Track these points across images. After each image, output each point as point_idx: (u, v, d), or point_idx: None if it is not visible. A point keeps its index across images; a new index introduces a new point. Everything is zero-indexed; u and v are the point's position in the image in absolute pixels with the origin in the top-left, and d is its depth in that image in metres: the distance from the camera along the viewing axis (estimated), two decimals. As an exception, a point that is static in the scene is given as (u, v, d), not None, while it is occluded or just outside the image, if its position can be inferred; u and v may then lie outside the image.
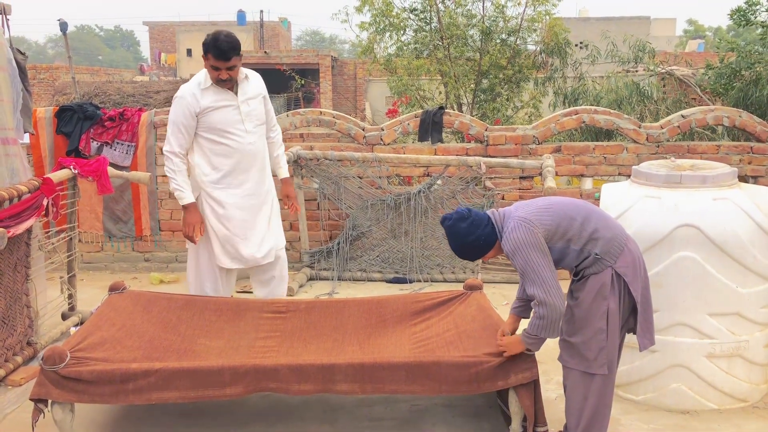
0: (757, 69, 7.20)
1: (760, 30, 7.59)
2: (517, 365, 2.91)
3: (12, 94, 4.16)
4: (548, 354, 3.36)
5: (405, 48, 11.46)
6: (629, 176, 3.79)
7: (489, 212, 2.82)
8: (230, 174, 4.01)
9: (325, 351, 3.41)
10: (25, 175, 4.20)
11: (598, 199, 3.77)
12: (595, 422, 2.81)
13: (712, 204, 3.29)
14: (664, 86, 9.50)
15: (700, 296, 3.29)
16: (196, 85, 3.93)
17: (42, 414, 2.90)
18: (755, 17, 7.51)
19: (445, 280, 5.64)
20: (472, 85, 10.77)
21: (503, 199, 5.80)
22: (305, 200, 5.89)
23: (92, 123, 5.88)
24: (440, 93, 11.30)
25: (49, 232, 4.61)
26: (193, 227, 3.97)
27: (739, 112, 5.96)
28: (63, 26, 14.20)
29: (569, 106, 8.65)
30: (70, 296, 4.61)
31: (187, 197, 3.97)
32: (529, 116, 10.94)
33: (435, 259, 5.76)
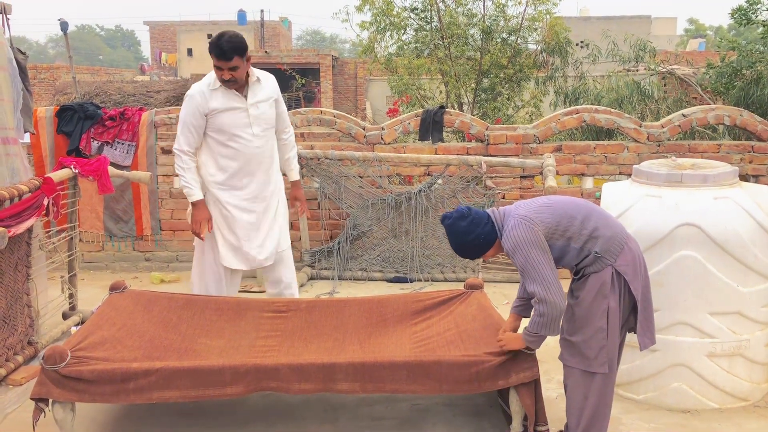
0: (758, 68, 7.19)
1: (761, 29, 7.57)
2: (517, 364, 2.91)
3: (12, 94, 4.16)
4: (549, 353, 3.36)
5: (406, 47, 11.46)
6: (630, 175, 3.79)
7: (489, 211, 2.82)
8: (235, 176, 4.02)
9: (326, 350, 3.41)
10: (26, 175, 4.20)
11: (599, 198, 3.77)
12: (596, 421, 2.81)
13: (713, 203, 3.29)
14: (665, 85, 9.49)
15: (701, 295, 3.29)
16: (206, 86, 3.94)
17: (43, 413, 2.90)
18: (756, 16, 7.50)
19: (445, 280, 5.64)
20: (472, 85, 10.76)
21: (504, 198, 5.79)
22: (306, 200, 5.88)
23: (93, 122, 5.89)
24: (441, 92, 11.30)
25: (49, 231, 4.61)
26: (200, 224, 3.99)
27: (740, 111, 5.95)
28: (64, 26, 14.21)
29: (570, 106, 8.64)
30: (71, 296, 4.61)
31: (195, 194, 4.00)
32: (529, 115, 10.93)
33: (436, 258, 5.76)
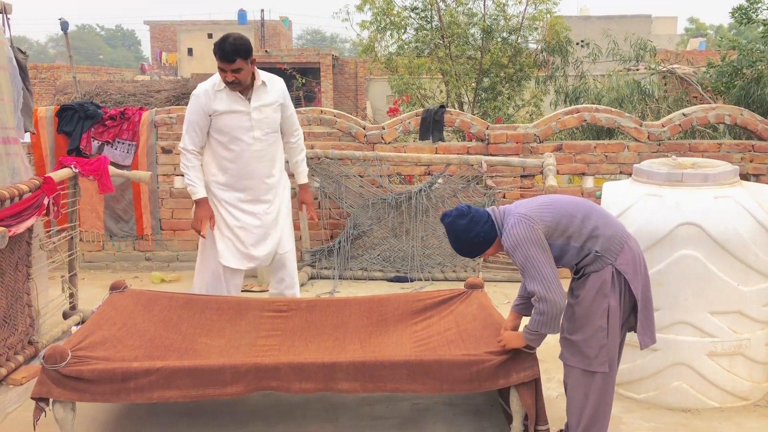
0: (759, 67, 7.19)
1: (761, 28, 7.57)
2: (518, 364, 2.91)
3: (13, 93, 4.16)
4: (549, 352, 3.36)
5: (406, 47, 11.45)
6: (630, 175, 3.79)
7: (489, 209, 2.83)
8: (234, 177, 4.03)
9: (326, 350, 3.41)
10: (26, 174, 4.20)
11: (600, 198, 3.77)
12: (596, 420, 2.81)
13: (714, 202, 3.28)
14: (665, 84, 9.49)
15: (701, 294, 3.29)
16: (211, 86, 3.95)
17: (43, 413, 2.90)
18: (757, 15, 7.49)
19: (446, 279, 5.64)
20: (473, 84, 10.76)
21: (504, 197, 5.79)
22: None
23: (93, 122, 5.89)
24: (441, 91, 11.30)
25: (50, 231, 4.61)
26: (201, 221, 4.01)
27: (740, 110, 5.95)
28: (64, 25, 14.20)
29: (570, 105, 8.64)
30: (71, 295, 4.61)
31: (198, 192, 4.01)
32: (530, 115, 10.93)
33: (436, 257, 5.76)
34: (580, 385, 2.81)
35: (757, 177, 5.80)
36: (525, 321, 2.92)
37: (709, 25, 54.85)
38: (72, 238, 4.56)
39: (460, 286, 3.86)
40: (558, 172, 5.59)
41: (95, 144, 5.87)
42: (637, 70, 10.09)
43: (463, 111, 9.27)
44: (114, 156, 5.81)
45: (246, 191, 4.05)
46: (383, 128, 6.05)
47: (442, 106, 6.11)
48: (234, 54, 3.76)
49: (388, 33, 11.34)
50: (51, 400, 2.91)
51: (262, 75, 4.01)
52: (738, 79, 7.41)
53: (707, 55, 14.14)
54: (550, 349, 3.21)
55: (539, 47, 11.16)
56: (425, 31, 11.28)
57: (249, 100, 3.95)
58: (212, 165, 4.05)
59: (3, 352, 3.73)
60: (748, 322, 3.35)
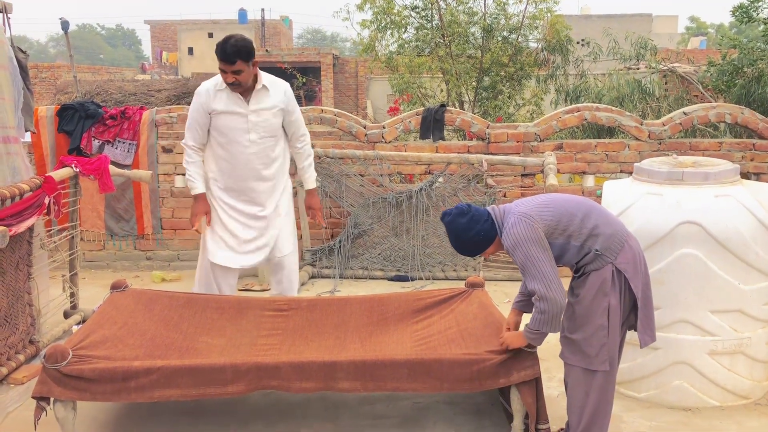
0: (760, 66, 7.18)
1: (762, 27, 7.56)
2: (519, 363, 2.91)
3: (13, 93, 4.16)
4: (550, 351, 3.36)
5: (406, 46, 11.44)
6: (631, 173, 3.79)
7: (489, 208, 2.83)
8: (230, 177, 4.06)
9: (327, 349, 3.41)
10: (27, 174, 4.20)
11: (600, 197, 3.77)
12: (597, 419, 2.81)
13: (714, 201, 3.28)
14: (666, 83, 9.50)
15: (702, 293, 3.28)
16: (213, 85, 3.98)
17: (44, 412, 2.90)
18: (757, 14, 7.48)
19: (446, 278, 5.64)
20: (473, 83, 10.75)
21: (505, 196, 5.79)
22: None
23: (94, 121, 5.89)
24: (442, 91, 11.29)
25: (50, 230, 4.62)
26: (197, 216, 4.05)
27: (741, 109, 5.94)
28: (64, 25, 14.20)
29: (571, 104, 8.64)
30: (72, 294, 4.61)
31: (196, 187, 4.06)
32: (530, 114, 10.92)
33: (437, 256, 5.76)
34: (580, 384, 2.81)
35: (757, 176, 5.80)
36: (526, 318, 2.92)
37: (710, 23, 54.80)
38: (73, 237, 4.56)
39: (461, 285, 3.86)
40: (559, 171, 5.59)
41: (96, 143, 5.87)
42: (638, 69, 10.10)
43: (463, 110, 9.26)
44: (114, 155, 5.82)
45: (241, 191, 4.07)
46: (384, 127, 6.05)
47: (443, 105, 6.11)
48: (235, 55, 3.77)
49: (389, 32, 11.33)
50: (52, 399, 2.91)
51: (265, 78, 4.01)
52: (739, 78, 7.41)
53: (708, 54, 14.13)
54: (550, 347, 3.21)
55: (540, 46, 11.15)
56: (426, 30, 11.28)
57: (248, 102, 3.96)
58: (211, 162, 4.09)
59: (4, 351, 3.74)
60: (749, 321, 3.35)
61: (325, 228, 5.97)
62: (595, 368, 2.75)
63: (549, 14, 10.86)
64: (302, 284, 5.54)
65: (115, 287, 3.78)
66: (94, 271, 6.07)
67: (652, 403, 3.45)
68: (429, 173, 5.91)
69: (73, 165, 4.34)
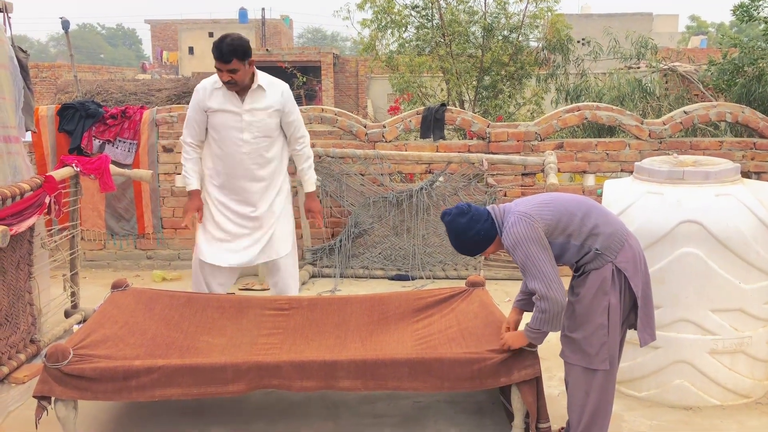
0: (760, 65, 7.18)
1: (763, 26, 7.56)
2: (519, 362, 2.91)
3: (14, 92, 4.16)
4: (550, 350, 3.36)
5: (407, 45, 11.43)
6: (632, 172, 3.79)
7: (489, 207, 2.83)
8: (224, 176, 4.08)
9: (328, 348, 3.42)
10: (28, 173, 4.21)
11: (601, 196, 3.77)
12: (597, 418, 2.82)
13: (715, 200, 3.28)
14: (666, 82, 9.50)
15: (702, 292, 3.28)
16: (211, 83, 4.00)
17: (45, 411, 2.90)
18: (758, 13, 7.48)
19: (447, 277, 5.64)
20: (474, 82, 10.75)
21: (505, 195, 5.79)
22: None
23: (94, 121, 5.89)
24: (442, 90, 11.29)
25: (51, 229, 4.62)
26: (188, 212, 4.09)
27: (741, 108, 5.94)
28: (65, 24, 14.20)
29: (571, 103, 8.64)
30: (73, 294, 4.62)
31: (191, 184, 4.09)
32: (531, 113, 10.92)
33: (437, 256, 5.76)
34: (581, 383, 2.81)
35: (758, 175, 5.80)
36: (526, 317, 2.92)
37: (711, 22, 54.78)
38: (73, 236, 4.57)
39: (462, 284, 3.86)
40: (559, 170, 5.59)
41: (96, 143, 5.87)
42: (638, 68, 10.10)
43: (464, 109, 9.26)
44: (115, 155, 5.82)
45: (234, 191, 4.08)
46: (384, 126, 6.05)
47: (443, 105, 6.11)
48: (230, 54, 3.77)
49: (389, 31, 11.33)
50: (53, 398, 2.92)
51: (263, 78, 4.01)
52: (739, 77, 7.41)
53: (708, 53, 14.12)
54: (551, 346, 3.21)
55: (540, 45, 11.14)
56: (426, 30, 11.27)
57: (243, 101, 3.96)
58: (208, 160, 4.12)
59: (5, 350, 3.74)
60: (750, 320, 3.35)
61: (326, 227, 5.97)
62: (596, 367, 2.75)
63: (549, 13, 10.86)
64: (303, 283, 5.53)
65: (116, 286, 3.78)
66: (94, 270, 6.07)
67: (653, 402, 3.45)
68: (429, 172, 5.91)
69: (73, 164, 4.34)
